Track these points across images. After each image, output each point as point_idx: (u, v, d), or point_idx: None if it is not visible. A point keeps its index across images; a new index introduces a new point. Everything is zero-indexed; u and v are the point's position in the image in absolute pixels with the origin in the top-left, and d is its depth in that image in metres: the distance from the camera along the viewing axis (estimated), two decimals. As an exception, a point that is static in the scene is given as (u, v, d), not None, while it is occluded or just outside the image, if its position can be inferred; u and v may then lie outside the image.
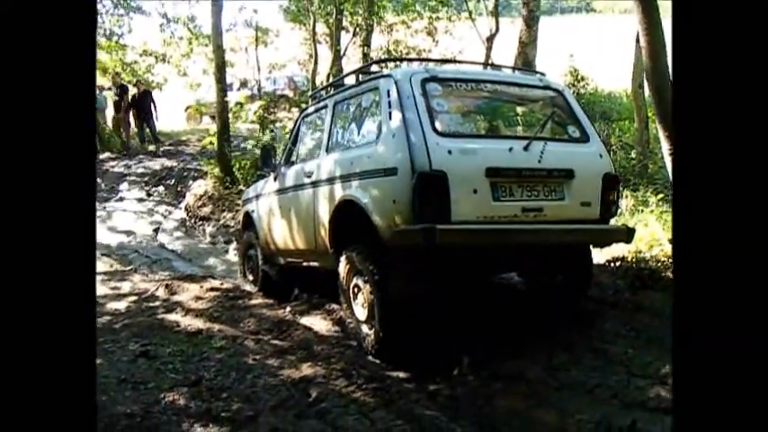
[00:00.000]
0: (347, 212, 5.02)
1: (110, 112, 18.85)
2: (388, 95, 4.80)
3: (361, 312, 4.96)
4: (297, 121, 6.74)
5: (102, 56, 21.01)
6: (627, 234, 5.06)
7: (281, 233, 6.47)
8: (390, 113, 4.72)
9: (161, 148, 18.44)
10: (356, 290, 5.00)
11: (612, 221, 5.26)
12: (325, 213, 5.37)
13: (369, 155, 4.85)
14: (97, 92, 18.93)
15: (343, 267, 5.11)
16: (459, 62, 7.59)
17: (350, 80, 5.77)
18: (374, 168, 4.72)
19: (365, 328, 4.91)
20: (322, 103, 6.13)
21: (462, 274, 5.19)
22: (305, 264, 6.43)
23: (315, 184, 5.60)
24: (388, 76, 4.99)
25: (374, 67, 5.97)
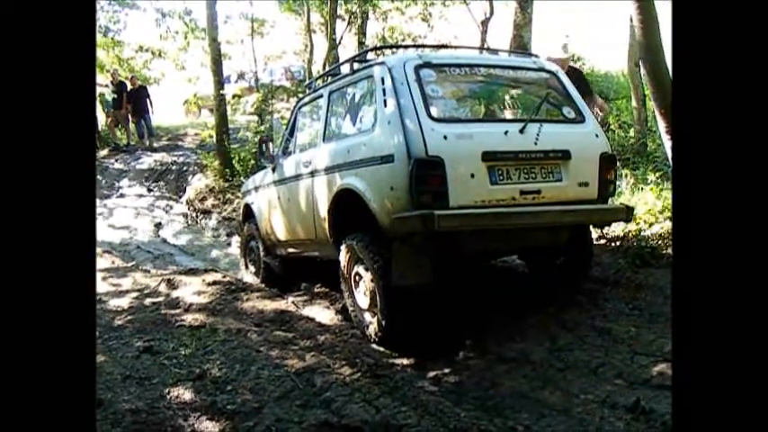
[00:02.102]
0: (346, 201, 5.02)
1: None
2: (383, 83, 4.80)
3: (363, 300, 4.97)
4: (293, 111, 6.74)
5: (98, 53, 20.99)
6: (626, 213, 5.03)
7: (281, 224, 6.47)
8: (385, 101, 4.71)
9: (155, 143, 18.42)
10: (357, 278, 5.01)
11: (612, 200, 5.25)
12: (323, 203, 5.37)
13: (365, 143, 4.85)
14: (104, 90, 18.90)
15: (343, 256, 5.11)
16: (455, 47, 7.58)
17: (345, 69, 5.75)
18: (371, 156, 4.72)
19: (368, 316, 4.92)
20: (317, 93, 6.12)
21: (463, 258, 5.19)
22: (306, 254, 6.44)
23: (313, 173, 5.60)
24: (382, 63, 4.98)
25: (370, 55, 5.95)
